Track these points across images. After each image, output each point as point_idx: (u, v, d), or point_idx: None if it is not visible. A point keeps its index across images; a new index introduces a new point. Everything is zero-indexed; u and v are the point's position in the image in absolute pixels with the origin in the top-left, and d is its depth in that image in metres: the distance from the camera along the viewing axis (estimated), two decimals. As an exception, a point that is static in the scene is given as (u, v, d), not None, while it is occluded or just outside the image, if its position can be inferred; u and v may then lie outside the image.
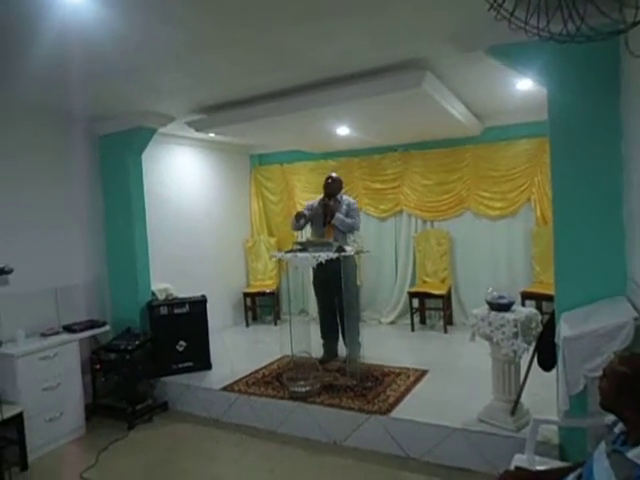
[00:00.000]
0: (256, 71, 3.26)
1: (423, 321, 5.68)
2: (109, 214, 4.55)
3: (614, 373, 1.52)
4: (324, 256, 3.68)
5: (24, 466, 3.26)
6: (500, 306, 2.94)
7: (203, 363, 4.41)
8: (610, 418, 1.64)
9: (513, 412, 2.91)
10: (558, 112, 2.64)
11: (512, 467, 1.95)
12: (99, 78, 3.19)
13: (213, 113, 4.27)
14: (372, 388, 3.70)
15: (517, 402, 2.92)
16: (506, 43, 2.52)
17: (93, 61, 2.83)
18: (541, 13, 1.38)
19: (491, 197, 5.38)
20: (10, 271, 3.22)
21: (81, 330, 3.87)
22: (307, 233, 4.71)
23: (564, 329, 2.31)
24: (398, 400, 3.47)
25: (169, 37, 2.61)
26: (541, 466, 2.08)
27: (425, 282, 5.67)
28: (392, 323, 5.82)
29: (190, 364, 4.35)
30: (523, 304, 4.66)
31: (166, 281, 4.79)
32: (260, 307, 6.48)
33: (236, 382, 4.05)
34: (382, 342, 5.08)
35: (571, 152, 2.61)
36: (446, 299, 5.38)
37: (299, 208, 6.28)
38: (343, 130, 4.74)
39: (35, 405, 3.40)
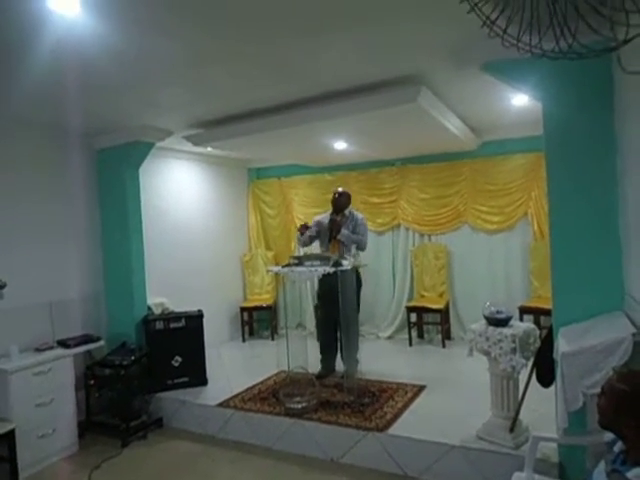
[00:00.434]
0: (255, 85, 3.27)
1: (421, 336, 5.64)
2: (106, 228, 4.54)
3: (612, 391, 1.50)
4: (321, 270, 3.67)
5: (15, 484, 3.21)
6: (498, 321, 2.92)
7: (199, 379, 4.36)
8: (610, 436, 1.62)
9: (512, 429, 2.87)
10: (554, 127, 2.66)
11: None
12: (96, 93, 3.20)
13: (211, 127, 4.28)
14: (369, 404, 3.66)
15: (516, 419, 2.88)
16: (500, 59, 2.53)
17: (90, 76, 2.84)
18: (533, 30, 1.39)
19: (488, 211, 5.38)
20: (3, 285, 3.20)
21: (75, 345, 3.83)
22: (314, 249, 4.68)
23: (562, 344, 2.29)
24: (396, 417, 3.43)
25: (167, 51, 2.61)
26: (540, 485, 2.05)
27: (423, 296, 5.64)
28: (390, 338, 5.78)
29: (186, 379, 4.31)
30: (521, 319, 4.64)
31: (162, 295, 4.76)
32: (257, 322, 6.43)
33: (232, 398, 4.00)
34: (380, 357, 5.03)
35: (567, 166, 2.61)
36: (444, 313, 5.35)
37: (297, 222, 6.31)
38: (340, 144, 4.76)
39: (27, 421, 3.34)
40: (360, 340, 4.56)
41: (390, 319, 5.86)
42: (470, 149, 5.29)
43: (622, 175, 2.41)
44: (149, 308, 4.56)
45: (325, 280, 3.83)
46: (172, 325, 4.35)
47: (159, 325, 4.33)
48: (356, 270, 4.28)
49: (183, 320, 4.39)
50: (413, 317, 5.49)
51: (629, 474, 1.37)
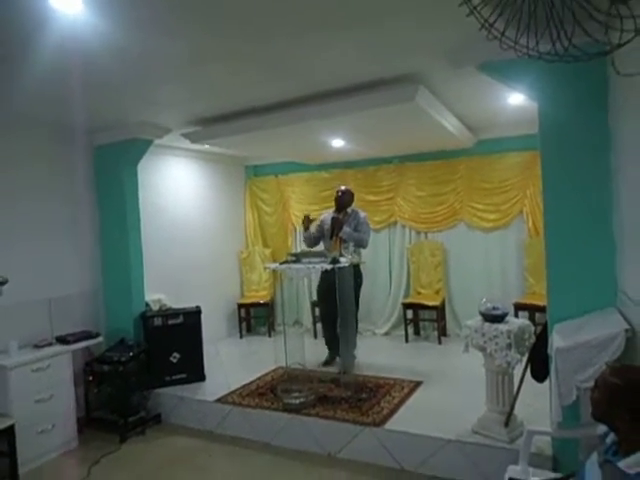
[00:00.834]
0: (254, 83, 3.28)
1: (417, 332, 5.68)
2: (104, 224, 4.55)
3: (605, 384, 1.54)
4: (318, 267, 3.70)
5: (14, 479, 3.21)
6: (494, 317, 2.96)
7: (197, 375, 4.39)
8: (602, 429, 1.66)
9: (507, 423, 2.91)
10: (549, 126, 2.69)
11: (506, 478, 1.96)
12: (97, 90, 3.21)
13: (209, 125, 4.29)
14: (366, 399, 3.70)
15: (511, 413, 2.93)
16: (497, 60, 2.56)
17: (91, 73, 2.85)
18: (530, 33, 1.42)
19: (484, 209, 5.43)
20: (5, 282, 3.21)
21: (74, 341, 3.85)
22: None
23: (556, 340, 2.33)
24: (392, 412, 3.47)
25: (168, 49, 2.62)
26: (535, 477, 2.09)
27: (419, 293, 5.69)
28: (386, 334, 5.82)
29: (184, 376, 4.33)
30: (516, 315, 4.68)
31: (160, 291, 4.77)
32: (254, 318, 6.46)
33: (230, 394, 4.03)
34: (376, 353, 5.07)
35: (562, 165, 2.65)
36: (440, 310, 5.40)
37: (294, 219, 6.35)
38: (338, 142, 4.78)
39: (27, 417, 3.36)
40: (357, 336, 4.61)
41: (387, 316, 5.91)
42: (466, 147, 5.32)
43: (616, 173, 2.45)
44: (147, 304, 4.57)
45: (325, 277, 3.87)
46: (170, 321, 4.38)
47: (157, 321, 4.35)
48: (357, 267, 4.33)
49: (181, 316, 4.42)
50: (409, 314, 5.54)
51: (620, 464, 1.41)
